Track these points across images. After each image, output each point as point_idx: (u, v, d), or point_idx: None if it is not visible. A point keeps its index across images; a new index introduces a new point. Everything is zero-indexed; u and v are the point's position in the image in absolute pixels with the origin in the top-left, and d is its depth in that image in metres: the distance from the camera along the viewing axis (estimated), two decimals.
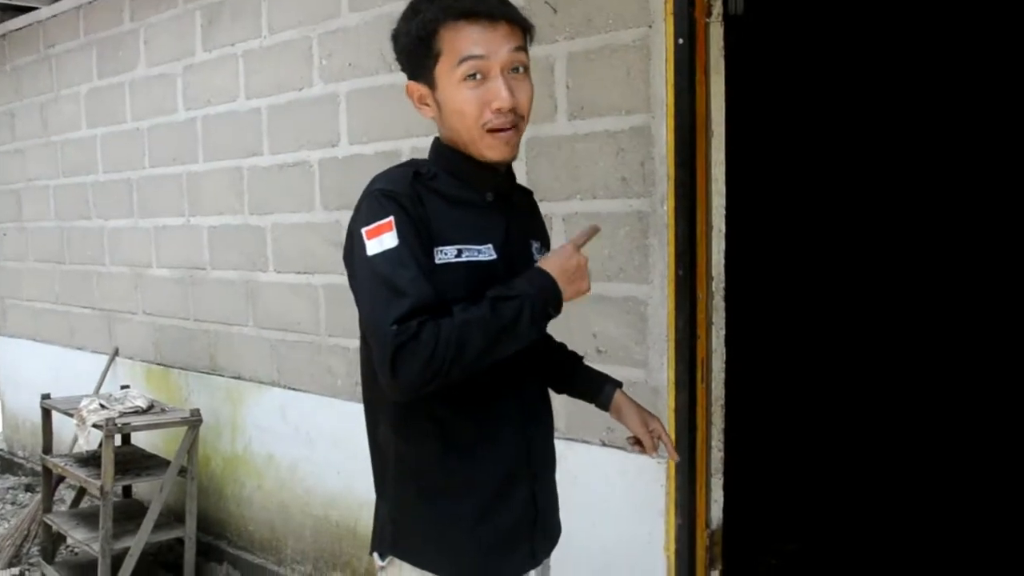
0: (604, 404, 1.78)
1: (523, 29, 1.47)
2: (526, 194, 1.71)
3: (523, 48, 1.45)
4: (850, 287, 5.05)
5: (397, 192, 1.41)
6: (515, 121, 1.44)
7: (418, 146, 3.07)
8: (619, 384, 1.80)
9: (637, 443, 1.76)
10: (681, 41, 2.37)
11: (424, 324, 1.31)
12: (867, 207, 5.09)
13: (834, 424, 4.58)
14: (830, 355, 4.93)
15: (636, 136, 2.50)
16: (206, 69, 3.88)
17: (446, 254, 1.42)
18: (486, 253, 1.46)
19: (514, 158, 1.50)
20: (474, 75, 1.41)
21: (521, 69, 1.45)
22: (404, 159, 3.09)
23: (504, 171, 1.54)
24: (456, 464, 1.50)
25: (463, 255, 1.44)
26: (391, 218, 1.38)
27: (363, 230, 1.39)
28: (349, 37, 3.25)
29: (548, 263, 1.43)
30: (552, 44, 2.63)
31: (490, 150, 1.45)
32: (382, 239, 1.38)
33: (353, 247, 1.43)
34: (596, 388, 1.79)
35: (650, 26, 2.44)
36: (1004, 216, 4.65)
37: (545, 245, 1.66)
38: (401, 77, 3.17)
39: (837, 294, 5.05)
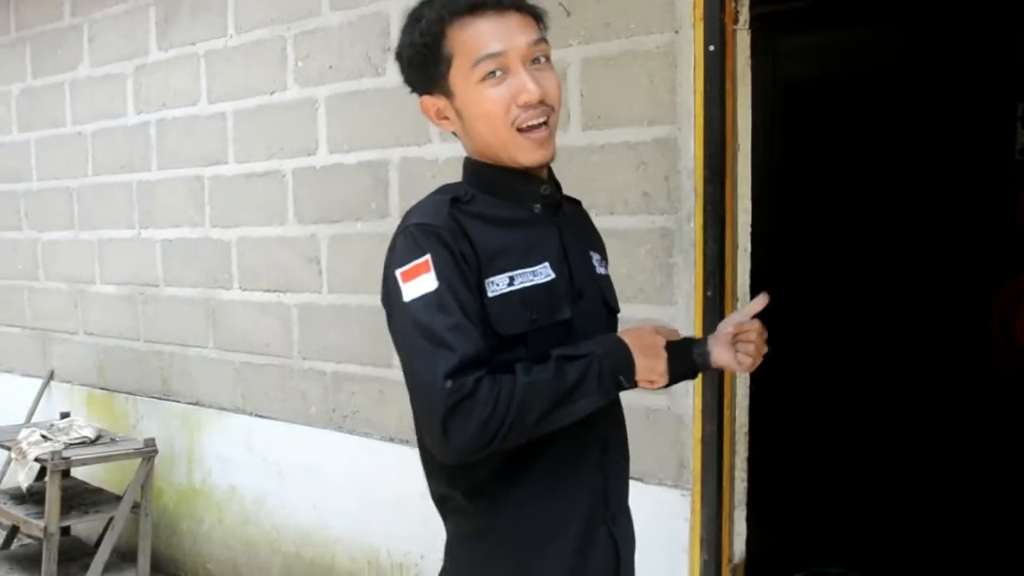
0: (705, 364, 1.38)
1: (535, 18, 1.32)
2: (575, 203, 1.54)
3: (542, 39, 1.31)
4: (875, 304, 4.85)
5: (435, 225, 1.25)
6: (546, 113, 1.29)
7: (407, 155, 2.87)
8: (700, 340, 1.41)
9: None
10: (712, 48, 2.24)
11: (480, 381, 1.17)
12: (890, 220, 4.89)
13: (857, 453, 4.42)
14: (851, 375, 4.74)
15: (660, 148, 2.35)
16: (161, 70, 3.59)
17: (498, 285, 1.26)
18: (542, 274, 1.30)
19: (551, 159, 1.34)
20: (494, 72, 1.26)
21: (543, 59, 1.30)
22: (391, 169, 2.93)
23: (548, 177, 1.39)
24: (529, 513, 1.32)
25: (516, 282, 1.28)
26: (427, 257, 1.22)
27: (398, 272, 1.24)
28: (330, 38, 3.02)
29: (625, 332, 1.31)
30: (565, 48, 2.46)
31: (523, 153, 1.30)
32: (419, 281, 1.22)
33: (389, 290, 1.27)
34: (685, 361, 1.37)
35: (676, 32, 2.30)
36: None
37: (605, 258, 1.51)
38: (390, 80, 2.98)
39: (857, 309, 4.86)
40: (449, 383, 1.16)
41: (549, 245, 1.34)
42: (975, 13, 4.31)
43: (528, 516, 1.32)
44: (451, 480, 1.34)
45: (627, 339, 1.28)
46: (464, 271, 1.24)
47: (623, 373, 1.26)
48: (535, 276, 1.29)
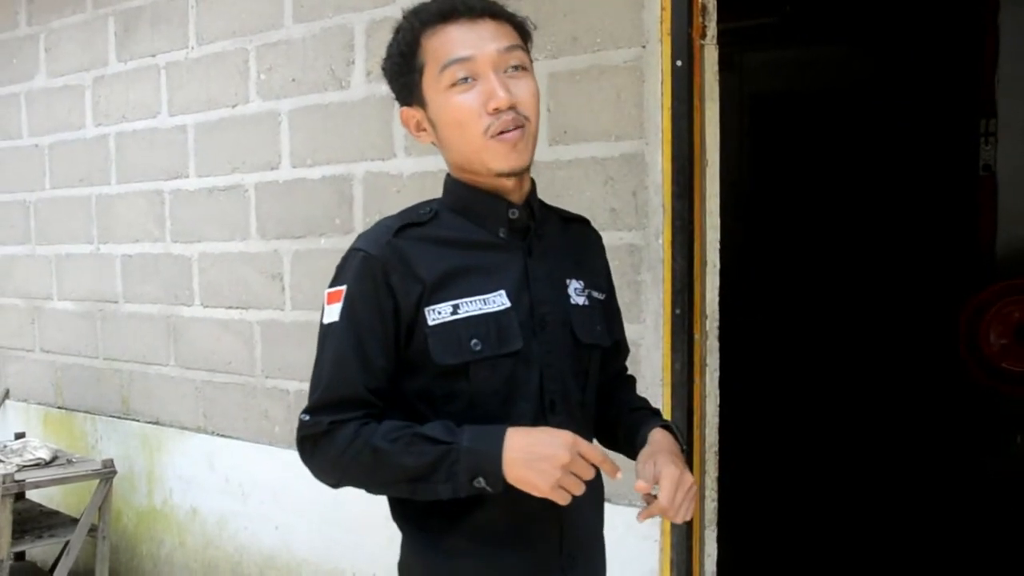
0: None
1: (514, 26, 1.28)
2: (572, 223, 1.45)
3: (518, 47, 1.26)
4: (844, 318, 4.81)
5: (368, 253, 1.24)
6: (519, 122, 1.23)
7: (372, 170, 2.82)
8: (665, 424, 1.38)
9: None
10: (680, 63, 2.22)
11: (341, 424, 1.20)
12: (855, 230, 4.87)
13: (829, 470, 4.38)
14: (822, 390, 4.69)
15: (627, 164, 2.32)
16: (121, 81, 3.50)
17: (440, 313, 1.22)
18: (495, 302, 1.25)
19: (525, 167, 1.28)
20: (465, 79, 1.22)
21: (519, 68, 1.25)
22: (356, 184, 2.87)
23: (523, 202, 1.32)
24: (465, 562, 1.26)
25: (460, 311, 1.23)
26: (344, 287, 1.23)
27: (326, 290, 1.26)
28: (293, 50, 2.96)
29: (518, 432, 1.17)
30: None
31: (495, 159, 1.24)
32: (331, 309, 1.24)
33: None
34: (637, 431, 1.38)
35: (644, 46, 2.28)
36: None
37: (594, 286, 1.39)
38: (355, 94, 2.93)
39: (827, 324, 4.83)
40: (307, 416, 1.22)
41: (510, 272, 1.28)
42: (940, 32, 4.35)
43: (464, 565, 1.26)
44: (391, 509, 1.32)
45: (513, 442, 1.15)
46: (382, 307, 1.21)
47: (484, 476, 1.15)
48: (486, 304, 1.24)
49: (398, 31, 1.29)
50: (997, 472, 3.95)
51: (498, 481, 1.15)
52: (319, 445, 1.21)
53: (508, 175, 1.26)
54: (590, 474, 1.17)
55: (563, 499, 1.15)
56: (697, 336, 2.30)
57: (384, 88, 2.67)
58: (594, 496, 1.37)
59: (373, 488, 1.24)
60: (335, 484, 1.25)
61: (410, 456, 1.16)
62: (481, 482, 1.15)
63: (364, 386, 1.21)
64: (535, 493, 1.15)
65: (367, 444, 1.18)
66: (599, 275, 1.44)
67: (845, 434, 4.51)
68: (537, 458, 1.14)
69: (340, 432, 1.19)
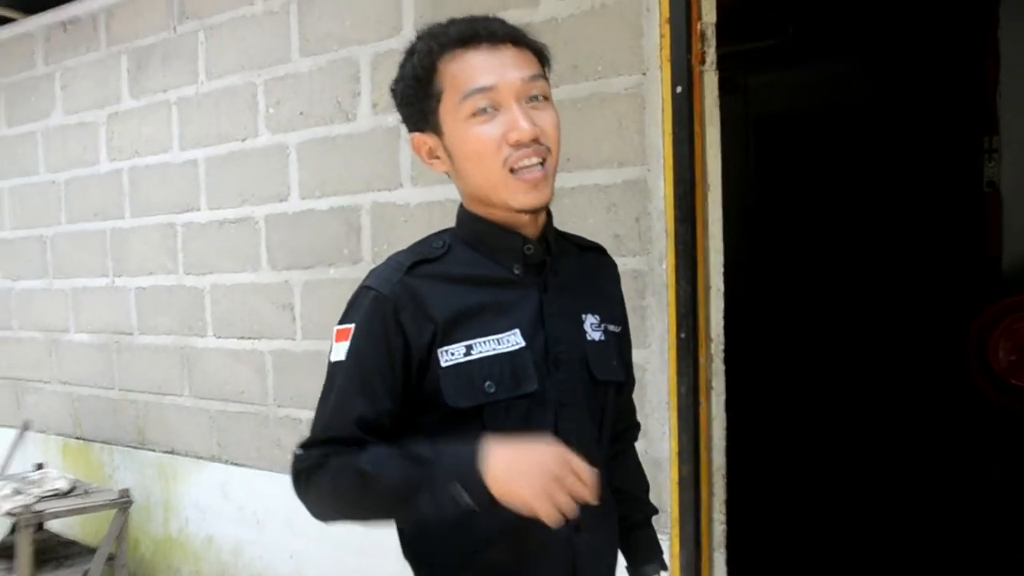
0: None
1: (535, 53, 1.24)
2: (588, 253, 1.40)
3: (540, 76, 1.22)
4: (852, 336, 4.80)
5: (380, 293, 1.21)
6: (541, 153, 1.18)
7: (379, 200, 2.86)
8: (662, 569, 1.48)
9: None
10: (680, 89, 2.25)
11: (333, 457, 1.18)
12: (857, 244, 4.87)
13: (837, 491, 4.35)
14: (829, 410, 4.68)
15: (630, 190, 2.35)
16: (133, 117, 3.57)
17: (453, 355, 1.19)
18: (509, 342, 1.21)
19: (546, 203, 1.23)
20: (484, 109, 1.18)
21: (540, 98, 1.21)
22: (363, 215, 2.92)
23: (537, 236, 1.27)
24: None
25: (474, 351, 1.19)
26: (352, 326, 1.22)
27: (335, 327, 1.25)
28: (300, 84, 3.02)
29: (500, 448, 1.10)
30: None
31: (515, 196, 1.19)
32: (339, 347, 1.23)
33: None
34: (635, 561, 1.49)
35: (644, 73, 2.31)
36: None
37: (610, 319, 1.35)
38: (361, 125, 2.98)
39: (834, 343, 4.82)
40: (300, 451, 1.22)
41: (524, 309, 1.24)
42: (941, 50, 4.37)
43: None
44: (402, 546, 1.31)
45: (494, 455, 1.09)
46: (391, 346, 1.19)
47: (470, 494, 1.08)
48: (500, 344, 1.20)
49: (412, 53, 1.24)
50: (1007, 489, 3.93)
51: (483, 494, 1.08)
52: (312, 479, 1.18)
53: (528, 212, 1.23)
54: (582, 492, 1.08)
55: (551, 515, 1.05)
56: (702, 360, 2.32)
57: (390, 119, 2.75)
58: (609, 536, 1.37)
59: (362, 515, 1.21)
60: (328, 517, 1.22)
61: (392, 474, 1.12)
62: (464, 497, 1.08)
63: (365, 428, 1.19)
64: (524, 509, 1.07)
65: (354, 469, 1.15)
66: (615, 306, 1.40)
67: (854, 453, 4.49)
68: (524, 468, 1.07)
69: (332, 462, 1.17)
